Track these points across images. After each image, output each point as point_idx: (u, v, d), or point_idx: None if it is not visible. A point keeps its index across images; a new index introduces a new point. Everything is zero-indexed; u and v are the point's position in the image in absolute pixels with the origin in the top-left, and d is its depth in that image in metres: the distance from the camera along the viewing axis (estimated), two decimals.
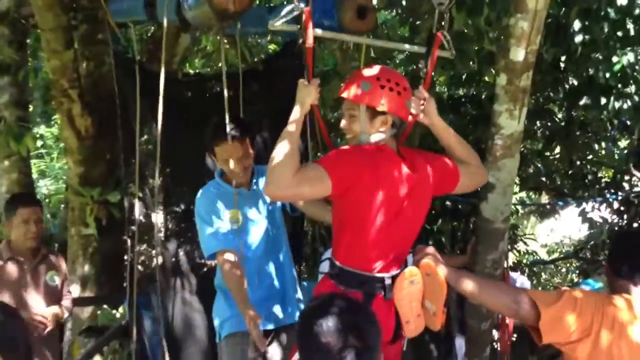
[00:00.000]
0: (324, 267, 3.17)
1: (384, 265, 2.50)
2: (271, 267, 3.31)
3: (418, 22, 5.30)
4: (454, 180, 2.72)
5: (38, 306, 3.75)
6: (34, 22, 5.20)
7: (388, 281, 2.49)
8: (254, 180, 3.28)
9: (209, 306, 3.81)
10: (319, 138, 3.52)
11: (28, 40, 6.36)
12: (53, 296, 3.87)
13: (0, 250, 3.76)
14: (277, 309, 3.25)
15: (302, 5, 2.42)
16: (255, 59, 6.57)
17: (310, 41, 2.48)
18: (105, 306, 5.01)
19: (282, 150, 2.31)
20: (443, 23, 2.77)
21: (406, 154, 2.58)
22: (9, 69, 5.64)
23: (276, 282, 3.31)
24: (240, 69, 3.76)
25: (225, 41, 6.55)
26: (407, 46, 3.23)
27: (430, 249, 2.57)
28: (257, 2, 7.17)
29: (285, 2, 4.98)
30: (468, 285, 2.52)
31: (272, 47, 7.68)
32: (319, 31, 2.70)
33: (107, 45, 4.54)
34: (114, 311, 4.95)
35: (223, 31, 2.95)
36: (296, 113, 2.43)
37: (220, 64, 6.75)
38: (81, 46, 4.97)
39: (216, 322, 3.28)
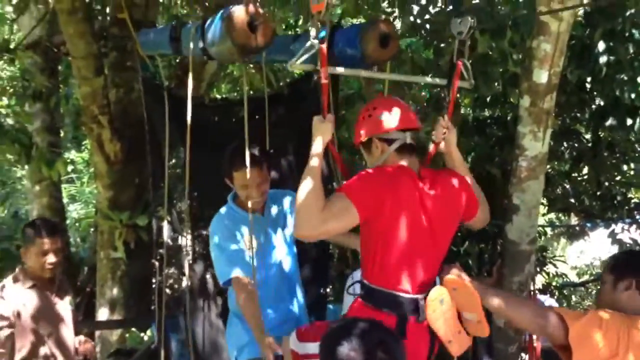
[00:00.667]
0: (352, 288, 3.19)
1: (415, 285, 2.50)
2: (286, 292, 3.33)
3: (442, 45, 5.34)
4: (475, 208, 2.73)
5: (67, 334, 3.75)
6: (65, 50, 5.34)
7: (421, 302, 2.49)
8: (268, 205, 3.31)
9: None
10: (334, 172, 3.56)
11: (59, 68, 6.54)
12: (73, 320, 3.87)
13: (18, 277, 3.63)
14: None
15: (317, 42, 2.44)
16: (281, 83, 6.65)
17: (325, 78, 2.52)
18: (133, 329, 5.06)
19: (305, 189, 2.36)
20: (463, 52, 2.81)
21: (427, 174, 2.60)
22: (41, 96, 5.80)
23: (291, 307, 3.33)
24: (266, 94, 3.81)
25: (251, 66, 6.66)
26: (427, 79, 3.25)
27: (454, 266, 2.58)
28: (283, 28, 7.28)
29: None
30: (495, 300, 2.53)
31: (297, 71, 7.75)
32: (339, 69, 2.78)
33: (136, 72, 4.63)
34: (142, 334, 5.00)
35: (248, 61, 2.99)
36: (314, 150, 2.48)
37: (246, 89, 6.85)
38: (111, 73, 5.08)
39: (231, 347, 3.28)
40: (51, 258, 3.58)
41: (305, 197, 2.34)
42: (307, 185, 2.37)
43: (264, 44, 2.83)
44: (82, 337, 3.91)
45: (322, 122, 2.53)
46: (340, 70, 2.83)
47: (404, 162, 2.58)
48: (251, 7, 2.79)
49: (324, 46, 2.44)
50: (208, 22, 3.03)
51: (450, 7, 4.86)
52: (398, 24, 5.65)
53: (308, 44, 2.47)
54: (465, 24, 2.75)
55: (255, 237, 3.13)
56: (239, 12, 2.78)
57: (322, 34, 2.44)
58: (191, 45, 3.15)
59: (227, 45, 2.83)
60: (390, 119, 2.58)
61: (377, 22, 3.20)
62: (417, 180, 2.54)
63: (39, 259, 3.56)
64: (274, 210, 3.34)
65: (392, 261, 2.47)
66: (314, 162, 2.45)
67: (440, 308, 2.47)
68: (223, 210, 3.28)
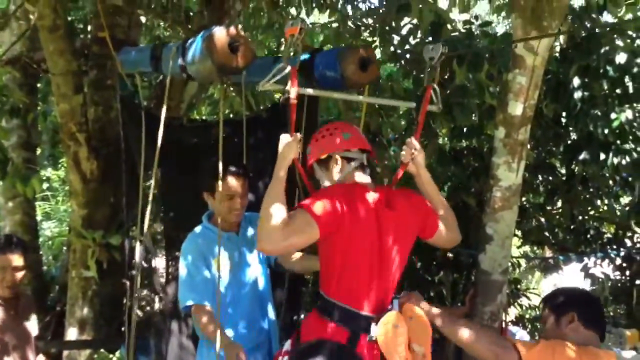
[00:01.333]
0: None
1: (370, 304, 2.54)
2: (258, 311, 3.32)
3: (422, 75, 5.40)
4: (434, 226, 2.79)
5: (26, 352, 3.67)
6: (45, 67, 5.32)
7: (373, 322, 2.53)
8: (243, 226, 3.31)
9: None
10: (300, 187, 3.59)
11: (38, 84, 6.51)
12: (35, 340, 3.78)
13: None
14: (265, 357, 3.25)
15: (289, 65, 2.55)
16: (261, 107, 6.67)
17: (293, 98, 2.58)
18: (102, 350, 4.98)
19: (269, 205, 2.42)
20: (434, 77, 2.89)
21: (383, 193, 2.67)
22: (19, 112, 5.76)
23: (263, 325, 3.32)
24: (245, 116, 3.83)
25: (232, 89, 6.68)
26: (398, 102, 3.35)
27: (414, 294, 2.63)
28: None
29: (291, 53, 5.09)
30: (457, 329, 2.61)
31: (277, 95, 7.80)
32: (308, 90, 2.87)
33: (115, 91, 4.62)
34: (111, 355, 4.92)
35: (227, 81, 3.03)
36: (279, 167, 2.56)
37: (226, 111, 6.86)
38: (90, 91, 5.06)
39: None
40: (8, 275, 3.53)
41: (268, 212, 2.40)
42: (270, 201, 2.44)
43: (243, 65, 2.87)
44: (42, 357, 3.83)
45: (289, 140, 2.61)
46: (309, 91, 2.90)
47: (360, 181, 2.67)
48: (232, 29, 2.83)
49: (295, 67, 2.55)
50: (189, 41, 3.06)
51: (430, 38, 4.94)
52: (378, 53, 5.72)
53: (280, 65, 2.58)
54: (437, 50, 2.82)
55: (229, 255, 3.13)
56: (220, 33, 2.82)
57: (296, 60, 2.56)
58: (170, 63, 3.17)
59: (207, 64, 2.85)
60: (352, 138, 2.70)
61: (356, 47, 3.26)
62: (374, 198, 2.61)
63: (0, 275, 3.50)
64: (250, 231, 3.34)
65: (349, 277, 2.52)
66: (278, 178, 2.53)
67: (393, 332, 2.50)
68: (198, 229, 3.28)
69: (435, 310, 2.71)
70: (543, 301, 2.87)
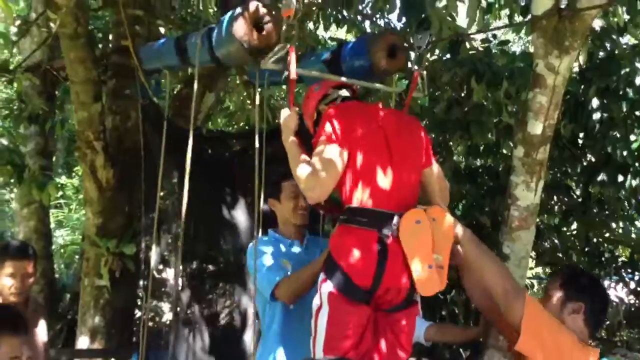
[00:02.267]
0: None
1: (392, 202, 2.54)
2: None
3: (438, 93, 5.41)
4: (429, 158, 2.80)
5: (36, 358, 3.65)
6: (64, 75, 5.36)
7: (396, 219, 2.50)
8: (306, 240, 3.30)
9: None
10: None
11: (57, 92, 6.57)
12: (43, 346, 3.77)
13: None
14: None
15: (287, 44, 2.72)
16: (277, 120, 6.69)
17: (293, 75, 2.73)
18: (113, 359, 4.98)
19: (296, 162, 2.58)
20: (421, 63, 3.02)
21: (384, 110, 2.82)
22: (37, 119, 5.81)
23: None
24: (263, 128, 3.84)
25: (249, 102, 6.72)
26: (383, 87, 3.39)
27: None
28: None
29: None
30: (477, 248, 2.54)
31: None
32: (304, 71, 3.00)
33: (133, 100, 4.66)
34: None
35: (256, 63, 3.03)
36: (287, 136, 2.74)
37: (241, 124, 6.89)
38: (109, 100, 5.10)
39: None
40: (17, 282, 3.49)
41: (301, 166, 2.53)
42: (295, 158, 2.61)
43: (268, 44, 2.87)
44: None
45: (289, 113, 2.78)
46: (303, 71, 3.00)
47: None
48: (260, 7, 2.84)
49: (293, 46, 2.71)
50: (215, 27, 3.06)
51: (448, 55, 4.95)
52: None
53: (279, 45, 2.74)
54: (424, 38, 2.95)
55: (293, 262, 3.10)
56: (246, 12, 2.83)
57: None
58: (198, 51, 3.18)
59: (235, 46, 2.86)
60: (321, 85, 2.93)
61: (385, 32, 3.26)
62: (374, 108, 2.78)
63: (7, 282, 3.48)
64: (312, 247, 3.31)
65: (367, 181, 2.55)
66: (290, 142, 2.70)
67: (414, 229, 2.47)
68: (265, 237, 3.26)
69: (460, 226, 2.62)
70: (560, 274, 2.71)
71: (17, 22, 5.80)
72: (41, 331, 3.72)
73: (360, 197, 2.54)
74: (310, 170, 2.48)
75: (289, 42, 2.74)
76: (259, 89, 3.39)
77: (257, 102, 3.34)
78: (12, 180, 6.01)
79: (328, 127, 2.58)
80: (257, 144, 3.22)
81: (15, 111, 6.36)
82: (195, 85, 3.26)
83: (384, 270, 2.46)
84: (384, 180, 2.56)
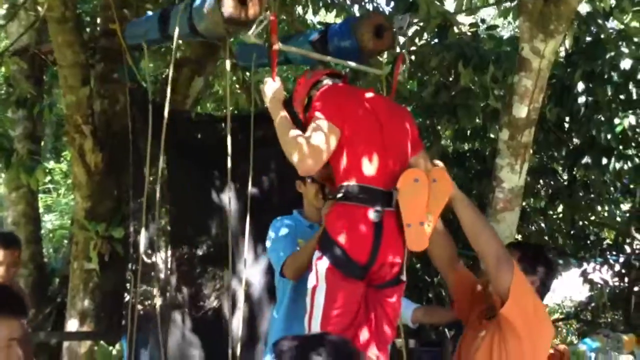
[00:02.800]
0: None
1: (384, 182, 2.58)
2: None
3: (426, 77, 5.43)
4: (418, 145, 2.84)
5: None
6: (52, 59, 5.34)
7: (395, 195, 2.56)
8: None
9: (207, 346, 3.82)
10: None
11: (45, 77, 6.54)
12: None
13: None
14: None
15: (269, 14, 2.73)
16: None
17: (275, 45, 2.76)
18: (102, 342, 5.00)
19: (287, 135, 2.56)
20: (404, 45, 3.07)
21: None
22: (25, 103, 5.77)
23: None
24: (253, 112, 3.85)
25: (237, 86, 6.71)
26: (369, 69, 3.43)
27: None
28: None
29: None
30: (473, 212, 2.58)
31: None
32: (283, 46, 2.96)
33: (121, 84, 4.65)
34: (111, 347, 4.94)
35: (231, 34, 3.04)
36: (274, 107, 2.71)
37: (231, 108, 6.87)
38: (97, 84, 5.09)
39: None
40: (3, 270, 3.56)
41: (292, 140, 2.52)
42: (285, 131, 2.58)
43: (252, 16, 2.87)
44: None
45: (273, 82, 2.76)
46: (285, 47, 3.02)
47: None
48: None
49: (274, 17, 2.73)
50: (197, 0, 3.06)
51: (436, 40, 4.97)
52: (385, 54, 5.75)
53: (260, 17, 2.76)
54: (405, 20, 2.99)
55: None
56: None
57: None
58: (178, 23, 3.17)
59: (216, 17, 2.86)
60: (314, 73, 2.91)
61: (371, 13, 3.27)
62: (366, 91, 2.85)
63: None
64: None
65: (359, 156, 2.58)
66: (280, 115, 2.67)
67: (412, 186, 2.52)
68: (287, 217, 3.26)
69: (458, 190, 2.65)
70: (517, 247, 2.77)
71: (5, 6, 5.76)
72: None
73: (356, 175, 2.57)
74: (303, 142, 2.49)
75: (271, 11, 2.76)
76: (247, 73, 3.40)
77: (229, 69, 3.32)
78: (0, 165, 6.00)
79: (322, 104, 2.62)
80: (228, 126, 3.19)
81: (3, 95, 6.34)
82: (172, 64, 3.25)
83: (380, 245, 2.52)
84: (378, 159, 2.59)
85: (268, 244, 3.15)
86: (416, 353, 4.87)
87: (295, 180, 3.01)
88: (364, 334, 2.59)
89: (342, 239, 2.52)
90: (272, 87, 2.76)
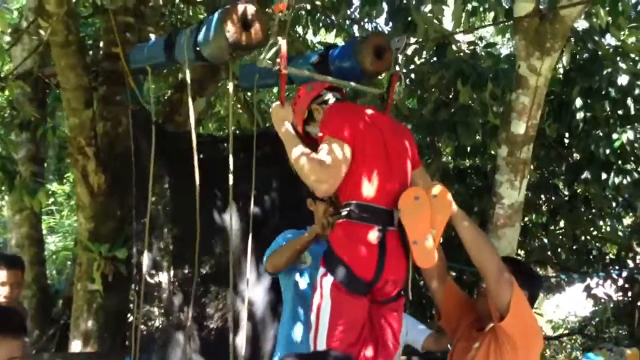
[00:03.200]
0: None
1: (388, 200, 2.62)
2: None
3: (426, 95, 5.48)
4: (417, 162, 2.90)
5: None
6: (55, 82, 5.39)
7: (396, 214, 2.60)
8: None
9: None
10: None
11: (48, 100, 6.59)
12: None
13: None
14: None
15: (280, 38, 2.70)
16: (268, 124, 6.73)
17: (284, 69, 2.74)
18: None
19: (299, 157, 2.57)
20: (400, 65, 3.10)
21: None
22: (29, 126, 5.82)
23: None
24: (255, 132, 3.88)
25: (239, 106, 6.76)
26: (366, 88, 3.48)
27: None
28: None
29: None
30: (474, 229, 2.63)
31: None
32: (291, 69, 2.98)
33: (124, 106, 4.69)
34: None
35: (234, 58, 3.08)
36: (285, 129, 2.72)
37: (233, 128, 6.92)
38: (100, 106, 5.12)
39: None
40: (7, 290, 3.59)
41: (305, 162, 2.54)
42: (297, 152, 2.58)
43: (256, 41, 2.93)
44: None
45: (281, 107, 2.77)
46: (293, 70, 3.05)
47: None
48: (247, 6, 2.90)
49: (284, 40, 2.69)
50: (202, 23, 3.12)
51: (435, 58, 5.02)
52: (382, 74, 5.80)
53: (271, 41, 2.72)
54: (402, 41, 3.02)
55: (313, 255, 3.14)
56: (234, 9, 2.88)
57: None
58: (185, 48, 3.21)
59: (220, 42, 2.91)
60: (315, 86, 2.92)
61: (372, 34, 3.33)
62: (370, 110, 2.84)
63: None
64: None
65: (366, 176, 2.61)
66: (287, 134, 2.70)
67: (413, 203, 2.55)
68: (299, 231, 3.28)
69: (457, 207, 2.69)
70: (508, 260, 2.79)
71: (9, 31, 5.82)
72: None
73: (362, 193, 2.61)
74: (321, 164, 2.52)
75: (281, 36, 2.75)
76: (249, 93, 3.44)
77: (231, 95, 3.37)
78: (3, 188, 6.03)
79: (333, 123, 2.65)
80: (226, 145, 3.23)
81: (6, 118, 6.37)
82: (189, 88, 3.29)
83: (384, 263, 2.56)
84: (383, 178, 2.64)
85: (275, 244, 3.20)
86: None
87: (297, 199, 3.05)
88: (369, 350, 2.63)
89: (347, 256, 2.57)
90: (279, 111, 2.77)
